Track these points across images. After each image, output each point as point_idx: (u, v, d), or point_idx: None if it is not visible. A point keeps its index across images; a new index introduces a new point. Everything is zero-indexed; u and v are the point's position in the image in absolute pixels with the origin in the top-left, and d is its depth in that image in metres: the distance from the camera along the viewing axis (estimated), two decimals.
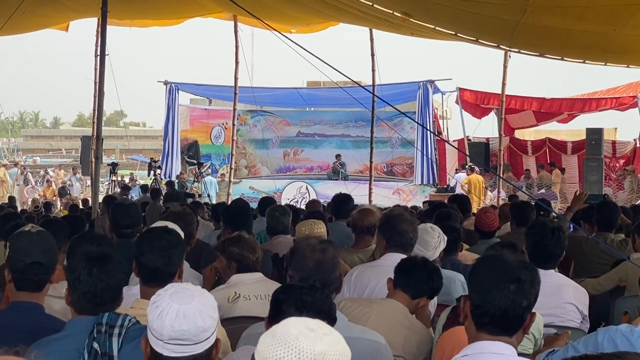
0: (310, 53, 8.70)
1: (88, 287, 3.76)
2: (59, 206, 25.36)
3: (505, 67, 21.28)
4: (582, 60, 15.12)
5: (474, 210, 13.05)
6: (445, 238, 6.19)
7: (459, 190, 22.83)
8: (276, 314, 3.47)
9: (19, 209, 19.30)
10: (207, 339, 3.03)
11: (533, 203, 9.52)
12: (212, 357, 3.10)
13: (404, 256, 5.47)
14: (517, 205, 9.23)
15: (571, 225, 8.70)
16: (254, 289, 5.33)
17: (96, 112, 17.56)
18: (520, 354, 3.25)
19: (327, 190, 26.24)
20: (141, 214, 7.66)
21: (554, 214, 11.24)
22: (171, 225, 5.13)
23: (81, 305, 3.79)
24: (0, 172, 31.23)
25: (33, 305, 4.13)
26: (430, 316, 5.29)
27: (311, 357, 2.35)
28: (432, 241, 6.03)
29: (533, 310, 3.24)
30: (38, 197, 27.43)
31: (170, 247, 4.31)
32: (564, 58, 15.07)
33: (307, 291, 3.58)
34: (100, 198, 16.71)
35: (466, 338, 3.32)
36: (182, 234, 5.04)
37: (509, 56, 20.67)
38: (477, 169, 24.21)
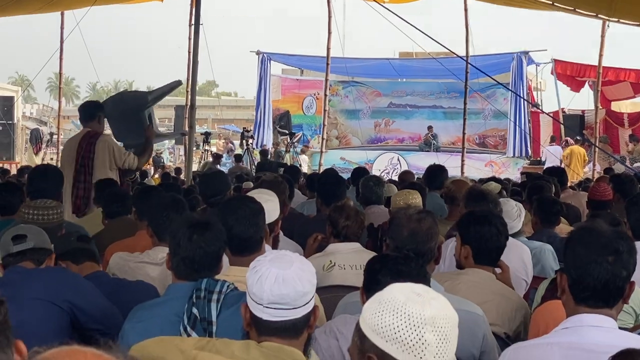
0: (406, 21, 8.65)
1: (187, 253, 3.79)
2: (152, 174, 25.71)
3: (602, 37, 20.72)
4: None
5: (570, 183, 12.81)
6: (521, 206, 6.17)
7: (550, 163, 22.36)
8: (371, 284, 3.46)
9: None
10: (306, 304, 3.03)
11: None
12: (310, 324, 3.10)
13: None
14: (618, 178, 9.02)
15: None
16: (349, 259, 5.32)
17: (190, 81, 17.71)
18: (620, 329, 3.19)
19: (419, 162, 26.03)
20: (228, 180, 7.71)
21: None
22: (266, 193, 5.16)
23: (180, 270, 3.83)
24: None
25: None
26: (527, 287, 5.24)
27: (421, 322, 2.30)
28: (512, 211, 6.01)
29: (632, 280, 3.16)
30: None
31: (255, 213, 4.30)
32: None
33: (402, 261, 3.55)
34: (194, 167, 16.86)
35: (560, 313, 3.28)
36: (277, 202, 5.09)
37: (607, 26, 20.12)
38: (572, 141, 23.73)
